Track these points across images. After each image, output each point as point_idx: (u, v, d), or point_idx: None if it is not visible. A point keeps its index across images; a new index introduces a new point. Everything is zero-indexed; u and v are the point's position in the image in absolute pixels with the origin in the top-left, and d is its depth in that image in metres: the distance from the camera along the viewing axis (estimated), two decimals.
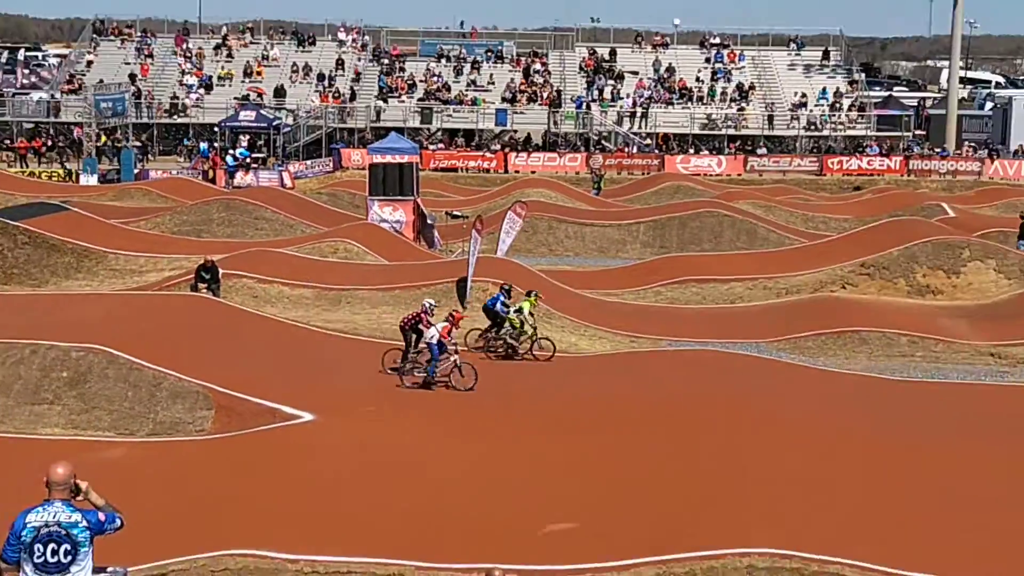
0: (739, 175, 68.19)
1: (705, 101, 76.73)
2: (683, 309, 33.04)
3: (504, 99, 75.13)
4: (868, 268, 35.02)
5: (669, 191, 56.82)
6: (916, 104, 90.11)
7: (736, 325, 30.26)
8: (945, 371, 25.99)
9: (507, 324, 24.74)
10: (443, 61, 79.07)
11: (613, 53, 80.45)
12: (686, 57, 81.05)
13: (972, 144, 75.81)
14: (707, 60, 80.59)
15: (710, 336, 28.32)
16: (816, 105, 76.29)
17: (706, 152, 71.60)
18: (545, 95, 75.46)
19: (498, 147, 70.66)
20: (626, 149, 71.35)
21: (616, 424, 19.25)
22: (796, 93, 76.86)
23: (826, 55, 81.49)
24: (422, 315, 22.84)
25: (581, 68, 79.20)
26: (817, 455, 17.99)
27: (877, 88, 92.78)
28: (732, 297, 34.24)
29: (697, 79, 78.27)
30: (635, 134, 73.68)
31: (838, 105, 76.29)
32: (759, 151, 71.71)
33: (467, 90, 76.03)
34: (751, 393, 21.48)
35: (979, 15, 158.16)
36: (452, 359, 21.75)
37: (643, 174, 66.00)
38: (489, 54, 79.72)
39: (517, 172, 66.73)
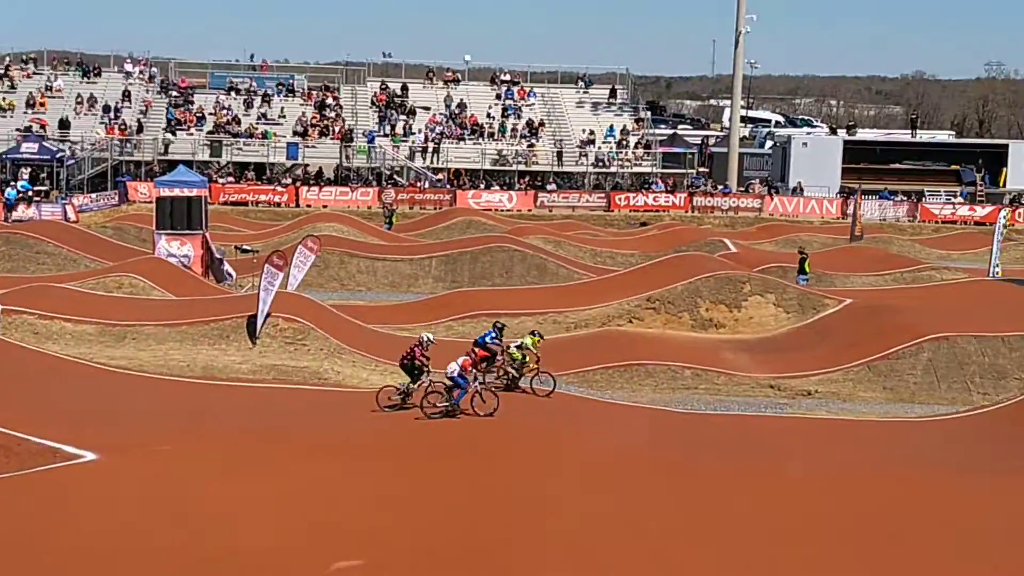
0: (529, 210, 68.99)
1: (496, 137, 77.49)
2: None
3: (295, 133, 74.67)
4: (654, 302, 35.72)
5: (461, 226, 57.21)
6: (700, 142, 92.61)
7: None
8: (727, 403, 26.69)
9: (509, 356, 24.05)
10: (233, 94, 78.26)
11: (405, 88, 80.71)
12: (477, 93, 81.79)
13: (754, 181, 78.15)
14: (498, 96, 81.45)
15: None
16: (604, 142, 77.74)
17: (497, 187, 72.26)
18: (337, 129, 75.26)
19: (289, 181, 70.16)
20: (418, 184, 71.59)
21: (409, 459, 19.27)
22: (584, 130, 78.21)
23: (613, 93, 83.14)
24: (415, 348, 22.76)
25: (373, 103, 79.24)
26: (606, 487, 18.28)
27: (662, 126, 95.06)
28: (522, 331, 34.54)
29: (488, 115, 79.01)
30: (427, 169, 73.94)
31: (625, 142, 77.84)
32: (549, 187, 72.69)
33: (257, 123, 75.34)
34: (540, 426, 21.71)
35: (759, 56, 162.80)
36: (473, 388, 21.86)
37: (435, 209, 66.26)
38: (280, 87, 79.22)
39: (309, 206, 66.40)
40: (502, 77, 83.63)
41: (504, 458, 19.32)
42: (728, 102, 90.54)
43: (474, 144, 76.62)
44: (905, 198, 74.51)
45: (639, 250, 52.43)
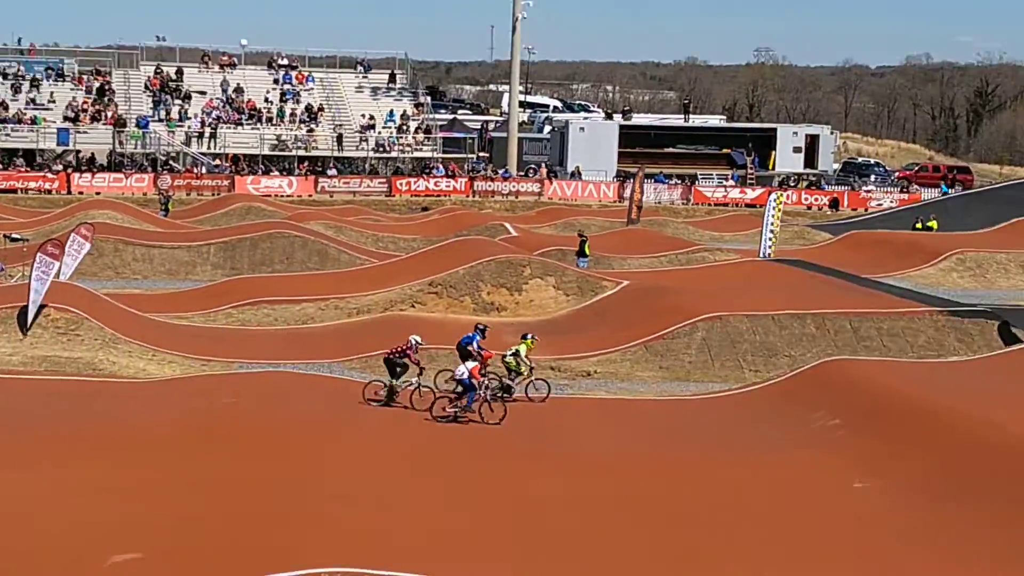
0: (310, 196, 68.59)
1: (274, 122, 76.66)
2: (255, 331, 32.86)
3: (66, 118, 72.54)
4: (436, 287, 35.84)
5: (240, 212, 56.48)
6: (480, 127, 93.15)
7: (308, 346, 30.35)
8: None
9: (503, 364, 24.05)
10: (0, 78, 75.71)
11: (180, 72, 79.15)
12: (254, 78, 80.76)
13: (536, 166, 78.98)
14: (276, 81, 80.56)
15: (283, 357, 28.30)
16: (384, 127, 77.60)
17: (276, 173, 71.55)
18: (109, 114, 73.39)
19: (60, 167, 68.17)
20: (195, 170, 70.37)
21: (184, 448, 18.95)
22: (364, 115, 77.95)
23: (392, 78, 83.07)
24: (407, 350, 22.92)
25: (147, 87, 77.49)
26: (387, 470, 18.32)
27: (443, 111, 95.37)
28: (304, 318, 34.32)
29: (266, 100, 78.07)
30: (204, 155, 72.73)
31: (405, 127, 77.85)
32: (329, 172, 72.29)
33: (26, 108, 72.95)
34: (323, 413, 21.63)
35: (537, 42, 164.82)
36: (483, 396, 21.98)
37: (213, 195, 65.32)
38: (49, 72, 76.83)
39: (81, 193, 64.77)
40: (280, 61, 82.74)
41: (285, 447, 19.15)
42: (507, 87, 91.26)
43: (252, 129, 75.64)
44: (679, 181, 76.34)
45: (421, 235, 52.57)
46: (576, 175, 75.55)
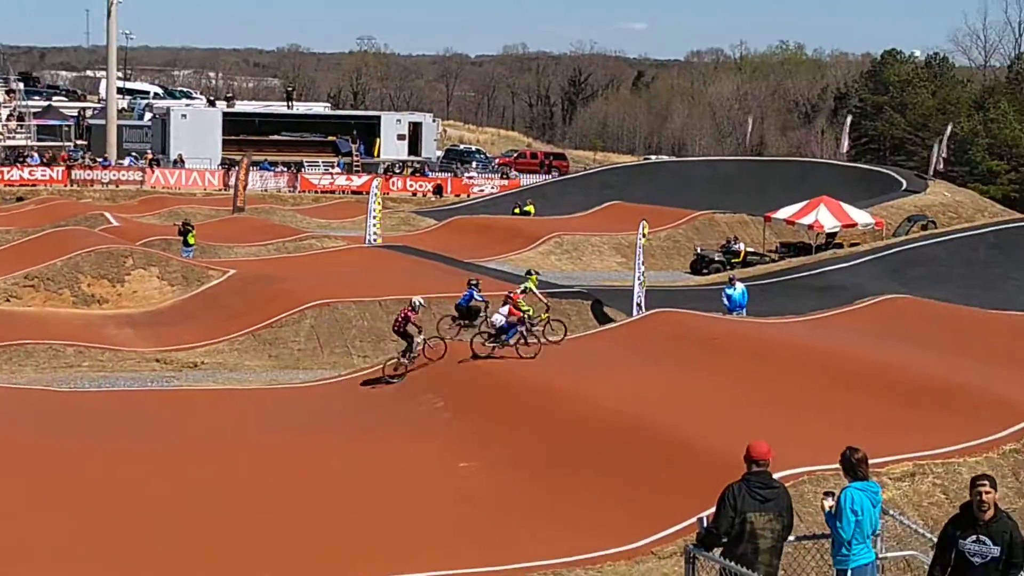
0: None
1: None
2: None
3: None
4: (32, 279, 34.61)
5: None
6: (77, 114, 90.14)
7: None
8: (112, 379, 26.29)
9: (524, 312, 24.72)
10: None
11: None
12: None
13: (134, 153, 77.03)
14: None
15: None
16: None
17: None
18: None
19: None
20: None
21: None
22: None
23: None
24: (409, 313, 24.26)
25: None
26: None
27: (37, 98, 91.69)
28: None
29: None
30: None
31: None
32: None
33: None
34: None
35: (135, 27, 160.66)
36: (519, 331, 24.01)
37: None
38: None
39: None
40: None
41: None
42: (104, 73, 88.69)
43: None
44: (285, 169, 76.04)
45: (15, 226, 50.43)
46: (179, 163, 74.13)
